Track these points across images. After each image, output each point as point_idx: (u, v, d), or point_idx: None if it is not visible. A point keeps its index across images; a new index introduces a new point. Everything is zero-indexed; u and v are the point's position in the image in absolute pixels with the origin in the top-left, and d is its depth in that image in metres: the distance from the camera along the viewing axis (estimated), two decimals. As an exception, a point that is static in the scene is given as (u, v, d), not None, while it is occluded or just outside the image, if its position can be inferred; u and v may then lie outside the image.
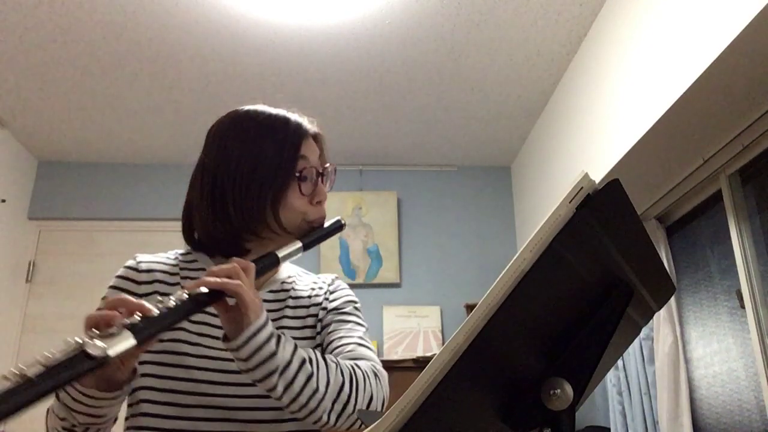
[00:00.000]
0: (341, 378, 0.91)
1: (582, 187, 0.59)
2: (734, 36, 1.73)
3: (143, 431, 0.94)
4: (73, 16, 2.61)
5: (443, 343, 3.52)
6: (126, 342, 0.71)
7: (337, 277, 1.17)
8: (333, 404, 0.89)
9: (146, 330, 0.74)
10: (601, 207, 0.61)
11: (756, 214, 2.21)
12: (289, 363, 0.86)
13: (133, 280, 1.02)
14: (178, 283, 1.03)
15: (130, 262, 1.05)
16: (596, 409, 3.12)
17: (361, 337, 1.05)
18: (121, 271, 1.04)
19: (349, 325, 1.07)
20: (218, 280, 0.82)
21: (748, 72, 1.89)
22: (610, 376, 2.85)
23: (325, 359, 0.92)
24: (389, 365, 2.98)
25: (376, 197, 3.86)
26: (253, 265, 0.88)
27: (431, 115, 3.43)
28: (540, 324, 0.65)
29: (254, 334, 0.83)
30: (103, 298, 0.99)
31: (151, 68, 2.97)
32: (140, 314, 0.75)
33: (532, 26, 2.70)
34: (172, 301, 0.78)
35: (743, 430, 2.23)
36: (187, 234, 1.08)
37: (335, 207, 3.75)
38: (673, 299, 2.62)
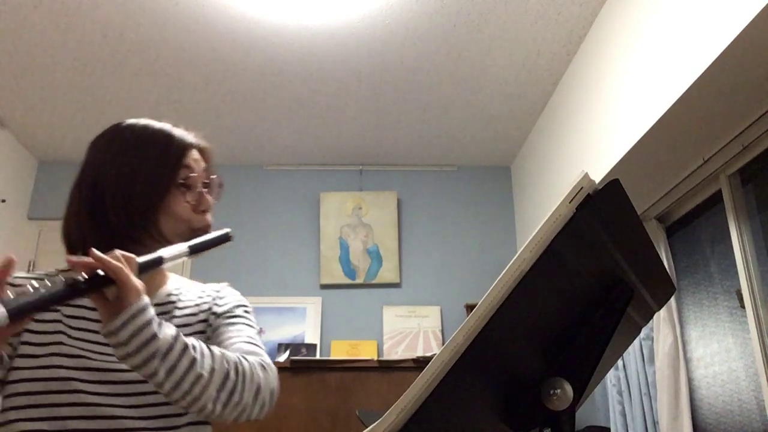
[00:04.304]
0: (226, 366, 0.90)
1: (582, 187, 0.59)
2: (734, 36, 1.73)
3: None
4: (73, 16, 2.61)
5: (443, 343, 3.52)
6: None
7: (227, 285, 1.17)
8: (218, 393, 0.88)
9: (17, 304, 0.72)
10: (601, 207, 0.61)
11: (756, 214, 2.21)
12: (171, 347, 0.83)
13: None
14: None
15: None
16: (596, 409, 3.12)
17: (250, 336, 1.05)
18: None
19: (239, 326, 1.07)
20: (99, 255, 0.80)
21: (748, 72, 1.89)
22: (610, 376, 2.84)
23: (210, 348, 0.90)
24: (389, 365, 2.99)
25: (376, 197, 3.85)
26: (134, 256, 0.86)
27: (431, 115, 3.42)
28: (540, 324, 0.64)
29: (134, 316, 0.80)
30: None
31: (151, 68, 2.97)
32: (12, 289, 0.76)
33: (532, 26, 2.70)
34: (48, 285, 0.77)
35: (743, 430, 2.22)
36: (67, 248, 1.06)
37: (335, 207, 3.75)
38: (673, 299, 2.61)
